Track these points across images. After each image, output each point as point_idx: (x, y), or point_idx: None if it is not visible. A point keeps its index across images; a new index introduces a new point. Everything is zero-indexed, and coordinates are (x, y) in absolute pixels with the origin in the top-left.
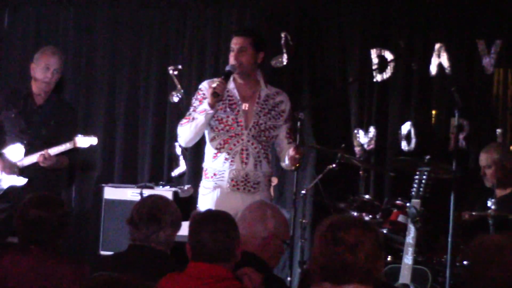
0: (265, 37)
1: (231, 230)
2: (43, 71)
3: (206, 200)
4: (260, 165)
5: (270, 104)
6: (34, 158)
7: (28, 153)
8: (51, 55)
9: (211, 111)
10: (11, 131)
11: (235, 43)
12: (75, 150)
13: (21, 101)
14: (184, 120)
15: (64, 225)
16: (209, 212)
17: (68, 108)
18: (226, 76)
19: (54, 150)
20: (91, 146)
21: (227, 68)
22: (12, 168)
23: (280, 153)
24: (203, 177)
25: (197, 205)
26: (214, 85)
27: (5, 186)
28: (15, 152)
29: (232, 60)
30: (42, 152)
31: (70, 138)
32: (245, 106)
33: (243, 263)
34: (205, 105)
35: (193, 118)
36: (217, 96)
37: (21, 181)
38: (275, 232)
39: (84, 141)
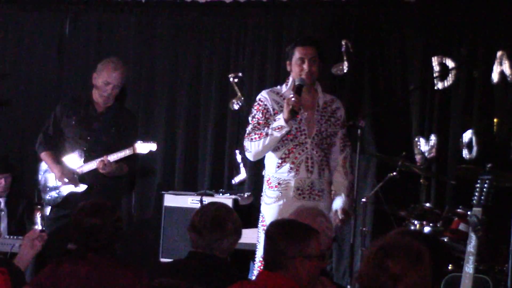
0: (326, 45)
1: (282, 240)
2: (102, 85)
3: (272, 210)
4: (323, 173)
5: (329, 111)
6: (93, 164)
7: (88, 159)
8: (112, 71)
9: (287, 128)
10: (72, 137)
11: (306, 53)
12: (134, 158)
13: (82, 108)
14: (255, 135)
15: (118, 230)
16: (276, 221)
17: (128, 115)
18: (298, 90)
19: (113, 157)
20: (151, 152)
21: (298, 82)
22: (71, 176)
23: (333, 162)
24: (266, 186)
25: (261, 214)
26: (291, 102)
27: (65, 192)
28: (75, 159)
29: (300, 69)
30: (102, 158)
31: (130, 144)
32: (306, 114)
33: None
34: (280, 122)
35: (267, 134)
36: (295, 113)
37: (81, 187)
38: (332, 236)
39: (143, 147)
